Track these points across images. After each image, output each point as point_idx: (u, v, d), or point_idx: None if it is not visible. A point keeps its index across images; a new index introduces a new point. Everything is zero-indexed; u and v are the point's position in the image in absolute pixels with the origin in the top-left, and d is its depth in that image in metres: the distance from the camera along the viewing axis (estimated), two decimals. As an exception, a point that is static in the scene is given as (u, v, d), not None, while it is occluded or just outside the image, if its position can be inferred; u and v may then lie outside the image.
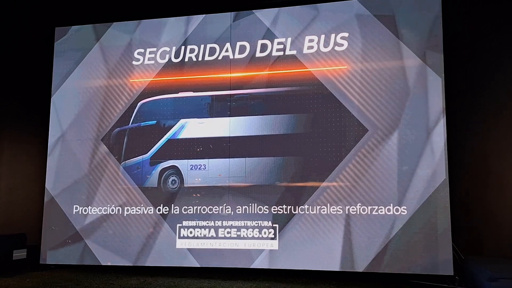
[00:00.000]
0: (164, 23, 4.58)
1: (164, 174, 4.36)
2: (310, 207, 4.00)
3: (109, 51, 4.65)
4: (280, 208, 4.07)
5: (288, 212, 4.04)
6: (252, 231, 4.10)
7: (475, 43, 4.14)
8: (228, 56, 4.38)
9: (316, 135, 4.08)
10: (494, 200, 3.97)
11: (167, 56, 4.52)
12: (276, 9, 4.32)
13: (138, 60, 4.58)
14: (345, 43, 4.11)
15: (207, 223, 4.20)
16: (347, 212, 3.92)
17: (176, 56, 4.50)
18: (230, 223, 4.16)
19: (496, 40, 4.10)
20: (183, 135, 4.38)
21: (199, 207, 4.24)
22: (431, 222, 3.74)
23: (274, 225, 4.07)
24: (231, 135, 4.26)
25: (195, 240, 4.21)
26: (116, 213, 4.40)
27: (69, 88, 4.69)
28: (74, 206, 4.51)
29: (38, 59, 5.02)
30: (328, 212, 3.96)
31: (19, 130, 5.06)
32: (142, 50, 4.58)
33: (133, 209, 4.38)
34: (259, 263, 4.05)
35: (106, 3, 4.93)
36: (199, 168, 4.28)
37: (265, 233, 4.08)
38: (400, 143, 3.88)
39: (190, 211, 4.26)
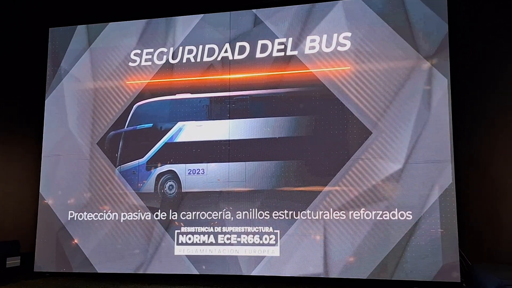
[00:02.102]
0: (161, 23, 4.49)
1: (161, 179, 4.26)
2: (312, 212, 3.90)
3: (104, 52, 4.55)
4: (281, 213, 3.97)
5: (290, 218, 3.94)
6: (253, 237, 4.01)
7: (482, 44, 4.07)
8: (227, 57, 4.29)
9: (318, 138, 3.98)
10: (502, 204, 3.89)
11: (165, 57, 4.43)
12: (277, 8, 4.22)
13: (134, 61, 4.49)
14: (348, 43, 4.01)
15: (206, 229, 4.11)
16: (350, 218, 3.83)
17: (174, 57, 4.40)
18: (230, 229, 4.06)
19: (503, 41, 4.02)
20: (181, 138, 4.28)
21: (198, 213, 4.14)
22: (437, 228, 3.64)
23: (275, 231, 3.97)
24: (230, 138, 4.16)
25: (194, 247, 4.11)
26: (112, 219, 4.30)
27: (63, 90, 4.60)
28: (69, 212, 4.41)
29: (32, 61, 4.94)
30: (331, 218, 3.86)
31: (12, 134, 4.97)
32: (139, 51, 4.49)
33: (129, 215, 4.28)
34: (260, 270, 3.96)
35: (101, 3, 4.85)
36: (197, 173, 4.18)
37: (266, 239, 3.98)
38: (405, 146, 3.78)
39: (188, 216, 4.16)
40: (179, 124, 4.30)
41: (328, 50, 4.04)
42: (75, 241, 4.35)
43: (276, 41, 4.18)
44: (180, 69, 4.38)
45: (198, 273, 4.07)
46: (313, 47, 4.08)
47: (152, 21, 4.51)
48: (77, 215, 4.39)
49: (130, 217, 4.27)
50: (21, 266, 4.45)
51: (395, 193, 3.76)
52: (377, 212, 3.78)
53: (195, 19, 4.41)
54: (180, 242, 4.14)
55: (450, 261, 3.58)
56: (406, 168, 3.76)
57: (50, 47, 4.71)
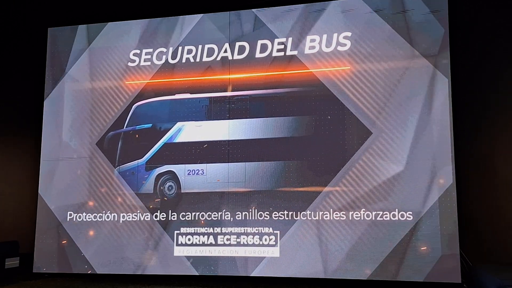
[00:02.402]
0: (160, 23, 4.47)
1: (161, 180, 4.24)
2: (312, 213, 3.88)
3: (103, 52, 4.53)
4: (281, 214, 3.95)
5: (290, 218, 3.92)
6: (252, 238, 3.98)
7: (483, 44, 4.04)
8: (226, 57, 4.27)
9: (318, 138, 3.96)
10: (504, 204, 3.87)
11: (164, 57, 4.41)
12: (277, 8, 4.20)
13: (133, 61, 4.47)
14: (348, 43, 3.99)
15: (206, 230, 4.09)
16: (350, 218, 3.81)
17: (173, 57, 4.38)
18: (229, 229, 4.04)
19: (503, 41, 4.00)
20: (180, 138, 4.26)
21: (197, 214, 4.12)
22: (437, 228, 3.62)
23: (275, 231, 3.95)
24: (230, 139, 4.14)
25: (193, 248, 4.09)
26: (112, 219, 4.28)
27: (62, 91, 4.57)
28: (68, 212, 4.38)
29: (31, 61, 4.92)
30: (331, 218, 3.84)
31: (11, 135, 4.95)
32: (138, 51, 4.47)
33: (129, 215, 4.26)
34: (259, 271, 3.94)
35: (100, 3, 4.82)
36: (197, 173, 4.16)
37: (265, 240, 3.96)
38: (405, 146, 3.76)
39: (188, 217, 4.14)
40: (179, 124, 4.28)
41: (328, 50, 4.02)
42: (74, 241, 4.32)
43: (276, 41, 4.16)
44: (180, 69, 4.36)
45: (197, 274, 4.05)
46: (313, 47, 4.06)
47: (151, 21, 4.49)
48: (76, 216, 4.36)
49: (129, 218, 4.25)
50: (20, 267, 4.42)
51: (395, 193, 3.74)
52: (377, 212, 3.76)
53: (195, 19, 4.39)
54: (179, 243, 4.12)
55: (450, 262, 3.56)
56: (406, 168, 3.74)
57: (49, 47, 4.68)
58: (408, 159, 3.75)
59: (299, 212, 3.91)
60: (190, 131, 4.25)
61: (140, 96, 4.40)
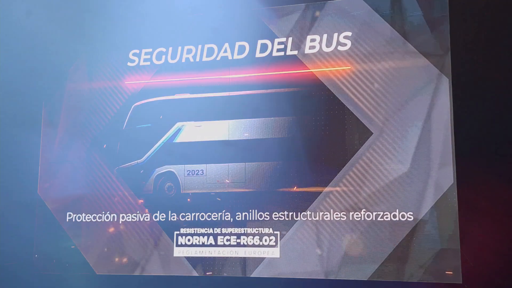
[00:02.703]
0: (160, 22, 4.45)
1: (160, 180, 4.23)
2: (313, 213, 3.87)
3: (103, 52, 4.51)
4: (281, 214, 3.94)
5: (290, 219, 3.91)
6: (252, 239, 3.97)
7: (484, 43, 4.03)
8: (226, 57, 4.26)
9: (318, 138, 3.95)
10: (504, 205, 3.85)
11: (163, 57, 4.39)
12: (277, 7, 4.20)
13: (133, 61, 4.46)
14: (349, 42, 3.98)
15: (206, 231, 4.07)
16: (351, 218, 3.79)
17: (173, 57, 4.37)
18: (229, 230, 4.03)
19: (506, 41, 3.98)
20: (180, 139, 4.25)
21: (197, 214, 4.11)
22: (438, 229, 3.62)
23: (275, 232, 3.94)
24: (230, 139, 4.13)
25: (193, 248, 4.07)
26: (111, 220, 4.27)
27: (61, 90, 4.57)
28: (67, 213, 4.37)
29: (30, 61, 4.88)
30: (332, 219, 3.83)
31: (10, 135, 4.92)
32: (138, 51, 4.46)
33: (128, 216, 4.25)
34: (260, 272, 3.93)
35: (100, 3, 4.79)
36: (197, 174, 4.15)
37: (265, 240, 3.95)
38: (406, 146, 3.75)
39: (188, 218, 4.13)
40: (178, 124, 4.28)
41: (329, 50, 4.02)
42: (73, 242, 4.31)
43: (276, 40, 4.15)
44: (179, 69, 4.35)
45: (197, 274, 4.04)
46: (313, 47, 4.06)
47: (151, 20, 4.47)
48: (75, 217, 4.35)
49: (128, 218, 4.24)
50: (19, 267, 4.41)
51: (396, 193, 3.73)
52: (378, 213, 3.75)
53: (194, 18, 4.38)
54: (179, 243, 4.10)
55: (451, 263, 3.55)
56: (406, 168, 3.73)
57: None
58: (408, 159, 3.74)
59: (299, 213, 3.90)
60: (189, 131, 4.24)
61: (140, 96, 4.39)
